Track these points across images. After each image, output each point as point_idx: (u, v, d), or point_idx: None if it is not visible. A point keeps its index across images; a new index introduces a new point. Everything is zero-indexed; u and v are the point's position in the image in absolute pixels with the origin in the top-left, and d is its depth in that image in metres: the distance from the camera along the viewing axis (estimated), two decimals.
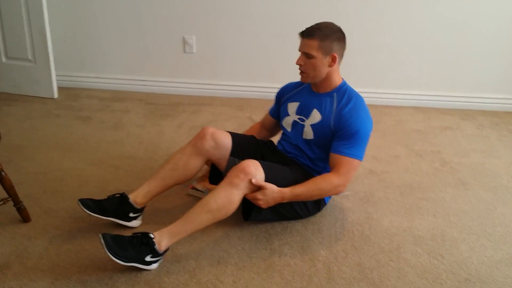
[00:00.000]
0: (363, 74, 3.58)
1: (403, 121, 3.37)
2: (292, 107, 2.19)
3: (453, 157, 2.82)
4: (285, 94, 2.29)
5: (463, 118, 3.44)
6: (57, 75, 3.61)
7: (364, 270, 1.85)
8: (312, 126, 2.09)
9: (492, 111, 3.57)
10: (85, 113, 3.36)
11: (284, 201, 1.97)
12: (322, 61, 1.99)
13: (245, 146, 2.18)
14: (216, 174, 2.23)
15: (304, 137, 2.13)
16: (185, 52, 3.70)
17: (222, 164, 2.15)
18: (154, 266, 1.82)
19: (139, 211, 2.06)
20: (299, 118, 2.15)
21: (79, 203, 1.95)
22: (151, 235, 1.78)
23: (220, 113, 3.42)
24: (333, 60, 2.00)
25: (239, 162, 1.94)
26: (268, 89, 3.61)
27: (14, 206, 2.03)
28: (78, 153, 2.74)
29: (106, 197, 2.05)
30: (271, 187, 1.91)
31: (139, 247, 1.77)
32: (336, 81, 2.09)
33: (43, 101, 3.55)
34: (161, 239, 1.79)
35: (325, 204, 2.21)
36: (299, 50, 2.03)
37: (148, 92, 3.80)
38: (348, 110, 2.01)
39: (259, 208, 1.97)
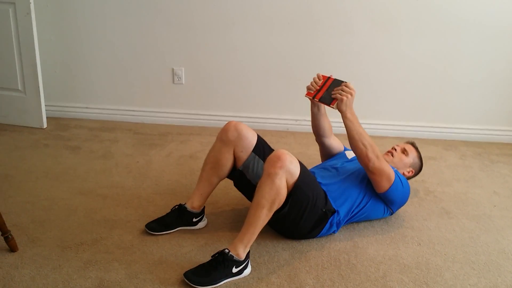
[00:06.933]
0: None
1: None
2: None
3: (437, 187, 2.87)
4: None
5: (446, 149, 3.52)
6: (46, 105, 3.64)
7: None
8: None
9: (474, 142, 3.65)
10: (74, 142, 3.38)
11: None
12: (407, 165, 2.50)
13: (268, 150, 2.27)
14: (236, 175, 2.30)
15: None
16: (174, 83, 3.76)
17: (243, 158, 2.23)
18: (246, 271, 1.95)
19: (200, 214, 2.27)
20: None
21: (147, 229, 2.19)
22: (227, 251, 1.88)
23: (208, 143, 3.40)
24: (409, 172, 2.50)
25: (258, 160, 2.14)
26: (255, 119, 3.67)
27: (2, 235, 2.03)
28: (66, 183, 2.74)
29: (168, 212, 2.27)
30: None
31: (222, 266, 1.86)
32: None
33: (32, 131, 3.56)
34: (237, 250, 1.89)
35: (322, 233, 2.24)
36: (401, 145, 2.55)
37: (137, 122, 3.84)
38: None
39: None
